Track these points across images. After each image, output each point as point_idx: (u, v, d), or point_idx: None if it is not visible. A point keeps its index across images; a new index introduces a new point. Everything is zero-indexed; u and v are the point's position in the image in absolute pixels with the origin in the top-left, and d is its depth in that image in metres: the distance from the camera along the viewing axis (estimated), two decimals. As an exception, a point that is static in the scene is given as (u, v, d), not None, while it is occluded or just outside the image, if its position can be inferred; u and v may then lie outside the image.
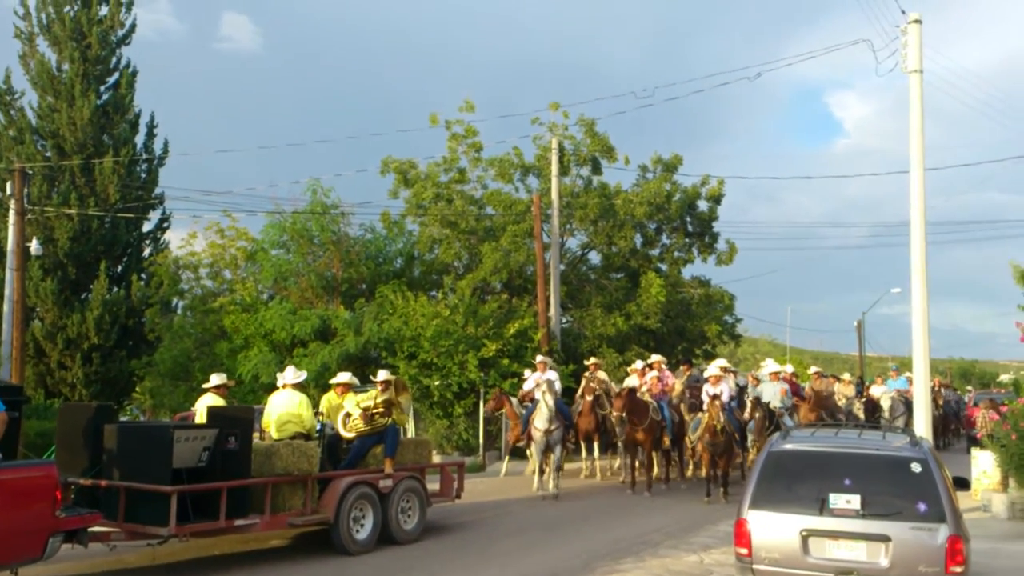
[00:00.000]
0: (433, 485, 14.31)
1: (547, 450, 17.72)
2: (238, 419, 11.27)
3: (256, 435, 12.60)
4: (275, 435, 12.26)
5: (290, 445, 11.59)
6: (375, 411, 13.04)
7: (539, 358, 19.91)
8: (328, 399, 13.74)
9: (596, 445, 20.87)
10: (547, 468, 17.91)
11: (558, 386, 18.75)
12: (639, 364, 20.87)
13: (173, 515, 9.89)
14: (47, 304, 28.97)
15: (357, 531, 12.11)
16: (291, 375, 12.82)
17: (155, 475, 10.18)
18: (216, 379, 12.89)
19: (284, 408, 12.45)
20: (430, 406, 25.33)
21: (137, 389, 30.67)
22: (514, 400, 20.58)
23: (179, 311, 30.05)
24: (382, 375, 13.56)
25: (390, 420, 13.17)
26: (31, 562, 8.97)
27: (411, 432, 25.05)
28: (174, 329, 28.35)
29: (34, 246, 24.96)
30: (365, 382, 25.43)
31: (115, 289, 30.65)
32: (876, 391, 25.38)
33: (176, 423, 12.31)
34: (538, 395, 17.76)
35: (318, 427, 12.85)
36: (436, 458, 24.24)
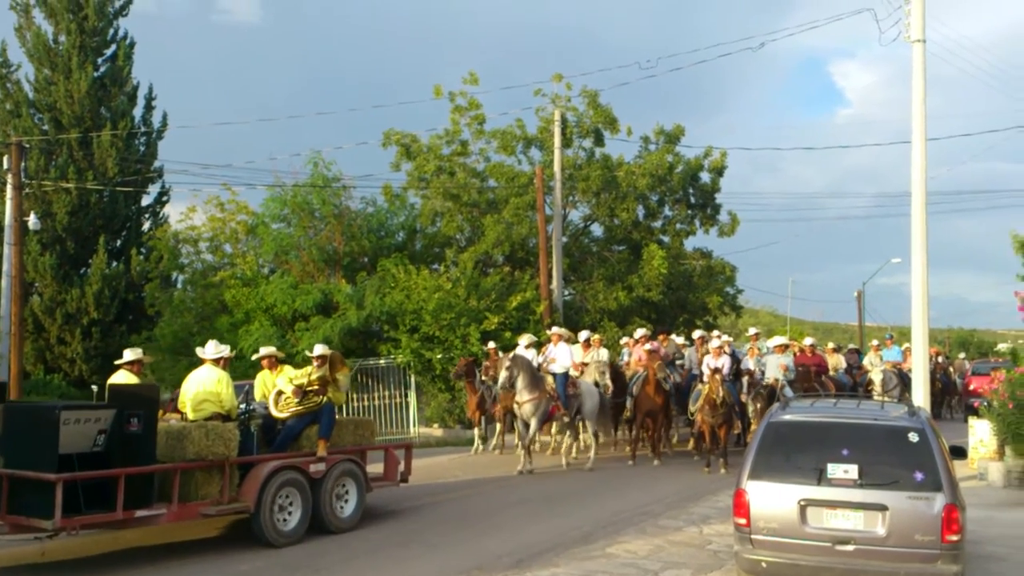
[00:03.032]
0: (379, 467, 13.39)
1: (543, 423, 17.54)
2: (141, 398, 10.21)
3: (176, 416, 11.72)
4: (191, 416, 11.12)
5: (204, 427, 10.51)
6: (309, 388, 12.03)
7: (554, 329, 19.50)
8: (262, 376, 12.84)
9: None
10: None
11: (568, 361, 18.08)
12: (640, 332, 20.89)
13: (58, 506, 8.90)
14: (46, 279, 28.91)
15: (283, 520, 11.09)
16: (211, 349, 11.64)
17: (40, 461, 9.20)
18: (129, 354, 11.62)
19: (201, 386, 11.28)
20: (432, 379, 25.34)
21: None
22: (478, 373, 20.27)
23: (179, 285, 30.06)
24: (318, 349, 12.51)
25: (325, 398, 12.10)
26: None
27: (413, 405, 25.18)
28: (174, 304, 28.35)
29: (32, 221, 24.75)
30: (368, 355, 25.71)
31: (114, 263, 30.59)
32: (868, 364, 24.18)
33: (67, 403, 10.82)
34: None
35: (249, 406, 12.05)
36: (438, 432, 24.47)
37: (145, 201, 32.73)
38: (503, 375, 16.68)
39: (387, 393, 25.49)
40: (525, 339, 19.10)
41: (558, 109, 29.48)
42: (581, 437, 19.30)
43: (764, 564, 8.02)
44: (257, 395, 12.81)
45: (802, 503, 7.83)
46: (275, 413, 12.05)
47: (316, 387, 12.05)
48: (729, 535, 9.40)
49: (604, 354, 19.80)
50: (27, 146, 25.68)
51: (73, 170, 28.95)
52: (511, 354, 17.37)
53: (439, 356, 24.77)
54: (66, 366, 29.19)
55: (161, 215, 33.07)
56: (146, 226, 32.48)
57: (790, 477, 7.98)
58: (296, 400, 11.97)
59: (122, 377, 11.30)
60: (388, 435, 24.73)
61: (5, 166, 24.49)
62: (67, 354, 29.28)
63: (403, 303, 25.36)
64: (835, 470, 7.84)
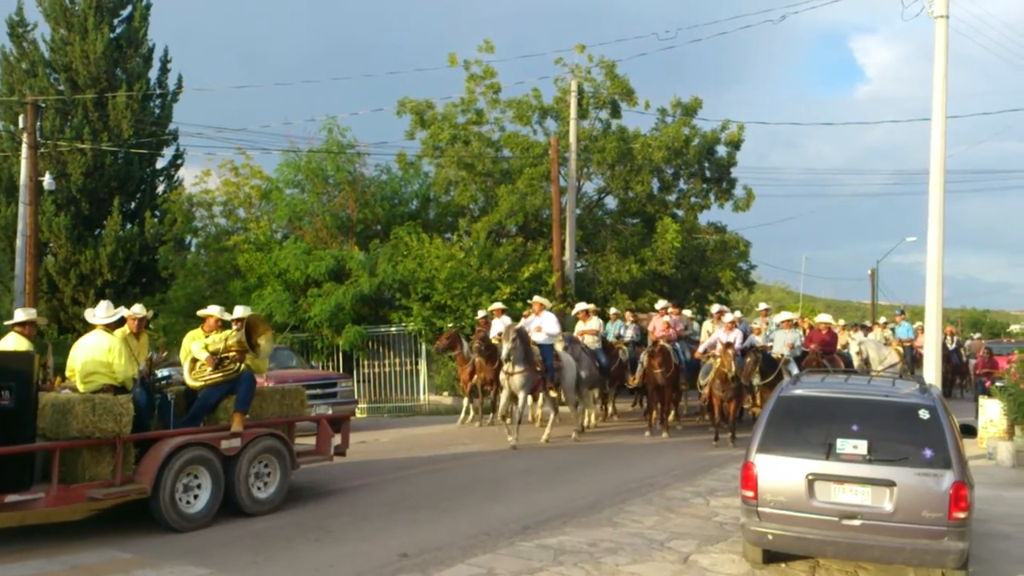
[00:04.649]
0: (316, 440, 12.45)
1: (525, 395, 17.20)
2: (12, 369, 9.05)
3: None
4: (81, 388, 10.07)
5: (89, 401, 9.36)
6: (225, 355, 10.89)
7: (536, 298, 18.91)
8: (192, 337, 11.37)
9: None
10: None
11: (555, 329, 17.97)
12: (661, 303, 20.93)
13: None
14: (60, 239, 28.98)
15: (188, 502, 10.02)
16: (101, 312, 10.43)
17: None
18: (21, 315, 10.54)
19: (90, 355, 10.12)
20: (443, 348, 25.39)
21: (151, 326, 30.79)
22: (466, 344, 20.10)
23: (193, 249, 30.10)
24: (238, 311, 11.32)
25: (243, 366, 10.99)
26: None
27: (423, 373, 25.25)
28: (188, 267, 28.43)
29: (47, 181, 24.85)
30: (380, 323, 25.78)
31: (128, 226, 30.62)
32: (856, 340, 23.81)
33: None
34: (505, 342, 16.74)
35: (153, 373, 10.78)
36: (448, 400, 24.51)
37: (160, 164, 32.68)
38: (507, 346, 16.48)
39: (398, 360, 25.59)
40: (497, 305, 19.23)
41: (576, 79, 29.30)
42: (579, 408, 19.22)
43: (770, 537, 8.05)
44: (183, 358, 11.60)
45: (810, 477, 7.85)
46: (189, 382, 11.00)
47: (233, 353, 10.92)
48: (736, 508, 9.45)
49: (595, 324, 19.76)
50: (43, 106, 25.69)
51: (88, 131, 28.93)
52: (516, 325, 17.12)
53: (450, 325, 24.79)
54: (80, 326, 29.26)
55: (175, 178, 33.04)
56: (160, 189, 32.43)
57: (799, 451, 7.99)
58: (212, 367, 10.89)
59: (11, 342, 10.27)
60: (398, 402, 24.88)
61: (21, 125, 24.53)
62: (81, 315, 29.35)
63: (415, 271, 25.39)
64: (844, 445, 7.84)
